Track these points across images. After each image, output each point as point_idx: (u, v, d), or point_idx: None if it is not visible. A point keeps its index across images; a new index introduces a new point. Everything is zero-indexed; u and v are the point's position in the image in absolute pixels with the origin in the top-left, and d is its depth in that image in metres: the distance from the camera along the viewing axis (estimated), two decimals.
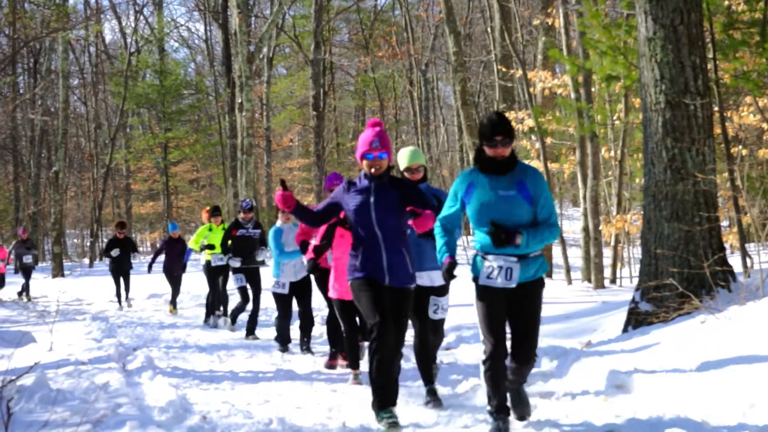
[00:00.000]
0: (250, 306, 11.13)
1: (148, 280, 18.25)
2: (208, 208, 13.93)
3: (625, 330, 7.78)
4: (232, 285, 11.97)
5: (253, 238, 10.91)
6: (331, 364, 7.75)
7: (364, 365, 6.60)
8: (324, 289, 7.78)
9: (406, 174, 6.06)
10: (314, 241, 7.11)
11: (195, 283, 17.38)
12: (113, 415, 5.36)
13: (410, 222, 5.09)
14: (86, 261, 34.44)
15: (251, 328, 10.49)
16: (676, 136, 7.72)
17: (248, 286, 11.03)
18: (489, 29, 21.07)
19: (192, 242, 13.13)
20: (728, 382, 5.00)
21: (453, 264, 4.82)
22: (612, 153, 14.60)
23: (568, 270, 14.36)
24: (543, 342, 7.72)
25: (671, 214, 7.69)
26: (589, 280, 13.97)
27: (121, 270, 16.00)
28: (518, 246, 4.63)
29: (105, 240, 41.25)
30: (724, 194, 11.80)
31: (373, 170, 5.05)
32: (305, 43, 32.21)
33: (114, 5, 40.16)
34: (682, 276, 7.45)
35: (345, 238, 5.27)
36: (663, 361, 5.91)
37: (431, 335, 5.96)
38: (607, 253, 15.93)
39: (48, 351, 8.40)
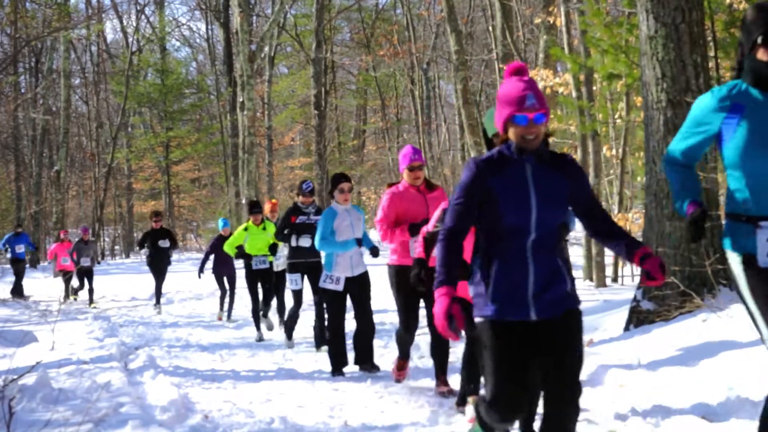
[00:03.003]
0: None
1: (151, 277, 18.12)
2: (273, 200, 12.18)
3: (626, 328, 7.78)
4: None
5: (314, 225, 8.87)
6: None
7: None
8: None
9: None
10: (427, 227, 5.05)
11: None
12: (115, 415, 5.37)
13: (647, 282, 3.27)
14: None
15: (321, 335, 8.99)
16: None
17: (304, 287, 9.45)
18: (490, 28, 21.04)
19: (227, 246, 11.38)
20: (730, 380, 5.00)
21: (704, 213, 3.24)
22: (613, 151, 14.57)
23: (569, 268, 14.33)
24: None
25: (673, 212, 7.68)
26: (591, 279, 13.95)
27: (158, 265, 14.57)
28: None
29: (106, 239, 41.33)
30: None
31: (530, 139, 3.25)
32: (306, 42, 32.19)
33: (115, 4, 40.15)
34: (683, 274, 7.44)
35: None
36: (665, 359, 5.91)
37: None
38: (609, 251, 15.86)
39: (50, 350, 8.40)
